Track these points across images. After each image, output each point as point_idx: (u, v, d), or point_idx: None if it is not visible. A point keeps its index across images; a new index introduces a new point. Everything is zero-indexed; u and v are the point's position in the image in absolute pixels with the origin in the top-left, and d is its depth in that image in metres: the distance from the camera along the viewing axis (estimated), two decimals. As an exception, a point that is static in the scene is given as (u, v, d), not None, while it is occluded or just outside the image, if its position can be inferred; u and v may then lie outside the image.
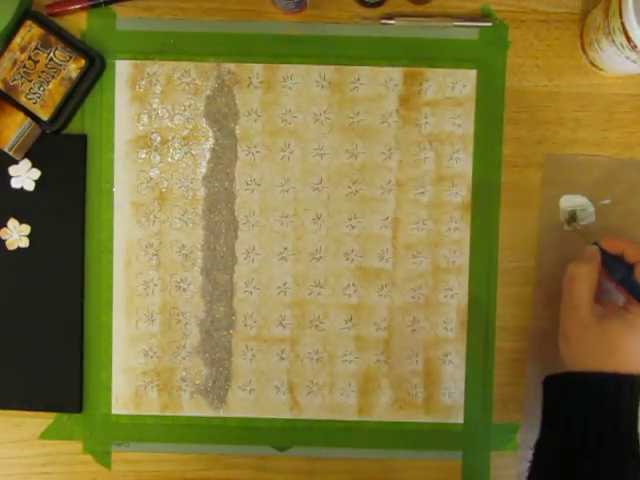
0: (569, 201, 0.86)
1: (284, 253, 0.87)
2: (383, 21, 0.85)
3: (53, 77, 0.84)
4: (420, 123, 0.86)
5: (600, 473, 0.70)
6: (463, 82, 0.86)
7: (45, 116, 0.84)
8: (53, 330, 0.86)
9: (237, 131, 0.86)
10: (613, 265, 0.77)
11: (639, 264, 0.75)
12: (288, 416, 0.88)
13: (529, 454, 0.86)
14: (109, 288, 0.87)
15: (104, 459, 0.88)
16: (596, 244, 0.79)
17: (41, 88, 0.84)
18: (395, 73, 0.86)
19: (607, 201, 0.87)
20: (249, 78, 0.86)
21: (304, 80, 0.86)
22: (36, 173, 0.86)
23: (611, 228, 0.87)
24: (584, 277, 0.76)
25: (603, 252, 0.78)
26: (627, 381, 0.72)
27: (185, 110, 0.86)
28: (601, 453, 0.71)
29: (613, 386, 0.72)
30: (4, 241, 0.86)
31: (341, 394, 0.87)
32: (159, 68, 0.86)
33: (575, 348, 0.76)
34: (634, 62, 0.78)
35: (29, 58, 0.84)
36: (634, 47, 0.74)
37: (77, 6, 0.85)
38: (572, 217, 0.85)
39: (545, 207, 0.87)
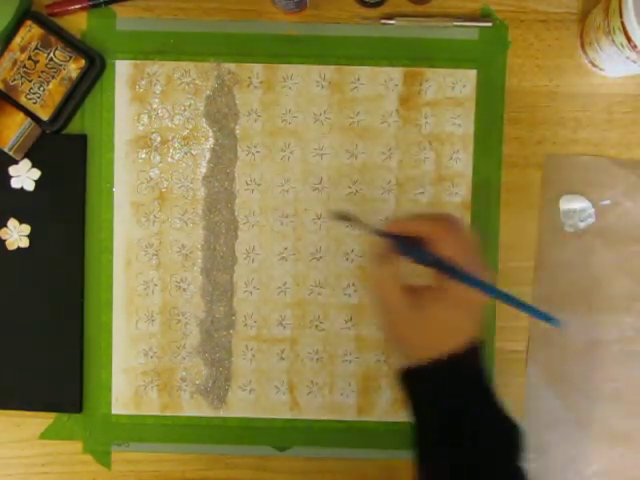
0: (568, 201, 0.86)
1: (284, 253, 0.87)
2: (383, 21, 0.85)
3: (53, 77, 0.84)
4: (420, 123, 0.86)
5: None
6: (463, 82, 0.86)
7: (45, 116, 0.84)
8: (53, 330, 0.87)
9: (237, 131, 0.86)
10: (408, 249, 0.70)
11: (433, 240, 0.69)
12: (288, 416, 0.88)
13: (529, 454, 0.86)
14: (109, 288, 0.87)
15: (104, 459, 0.88)
16: (382, 233, 0.71)
17: (41, 88, 0.84)
18: (395, 73, 0.86)
19: (607, 202, 0.87)
20: (249, 78, 0.86)
21: (304, 80, 0.86)
22: (36, 173, 0.86)
23: (611, 229, 0.87)
24: (386, 278, 0.70)
25: (394, 238, 0.70)
26: (468, 354, 0.70)
27: (185, 110, 0.86)
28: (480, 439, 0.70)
29: (461, 360, 0.70)
30: (4, 241, 0.86)
31: (341, 394, 0.87)
32: (159, 68, 0.86)
33: (408, 345, 0.72)
34: (634, 62, 0.78)
35: (29, 58, 0.84)
36: (634, 47, 0.74)
37: (77, 6, 0.85)
38: (343, 216, 0.77)
39: (545, 207, 0.87)
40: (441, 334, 0.70)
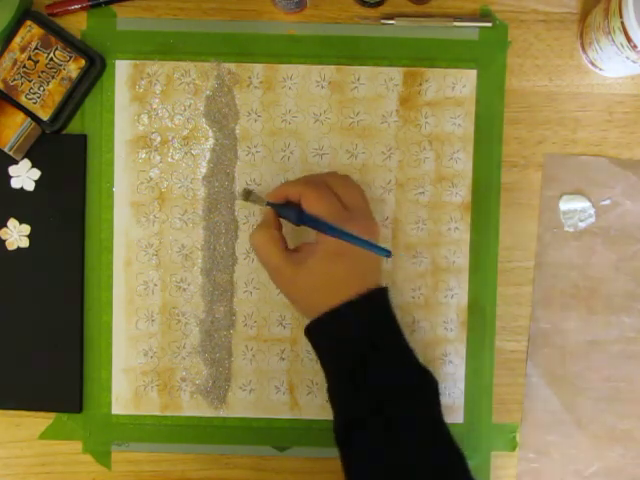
0: (568, 201, 0.86)
1: (284, 253, 0.87)
2: (383, 21, 0.85)
3: (53, 77, 0.84)
4: (420, 123, 0.86)
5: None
6: (463, 82, 0.86)
7: (45, 116, 0.84)
8: (53, 330, 0.86)
9: (237, 131, 0.86)
10: (285, 212, 0.76)
11: (301, 198, 0.74)
12: (288, 416, 0.88)
13: (529, 454, 0.86)
14: (109, 288, 0.87)
15: (104, 459, 0.88)
16: (268, 203, 0.78)
17: (41, 88, 0.84)
18: (395, 73, 0.86)
19: (607, 202, 0.87)
20: (249, 78, 0.86)
21: (304, 80, 0.86)
22: (36, 173, 0.86)
23: (611, 229, 0.87)
24: (262, 239, 0.75)
25: (274, 206, 0.77)
26: (364, 300, 0.73)
27: (185, 110, 0.86)
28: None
29: (362, 305, 0.73)
30: (4, 241, 0.86)
31: (341, 394, 0.87)
32: (159, 68, 0.86)
33: (300, 301, 0.77)
34: (634, 62, 0.78)
35: (29, 58, 0.84)
36: (634, 47, 0.74)
37: (77, 6, 0.85)
38: (247, 193, 0.80)
39: (545, 207, 0.87)
40: (327, 287, 0.73)
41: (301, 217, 0.74)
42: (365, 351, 0.73)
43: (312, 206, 0.74)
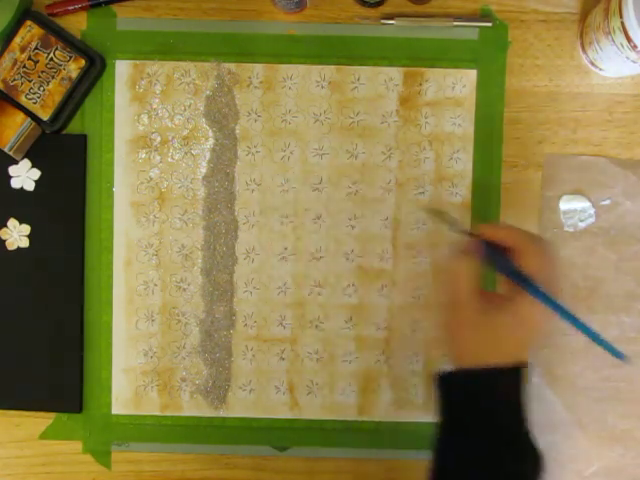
0: (568, 201, 0.86)
1: (284, 253, 0.87)
2: (383, 21, 0.85)
3: (53, 77, 0.84)
4: (420, 123, 0.86)
5: (498, 470, 0.69)
6: (463, 82, 0.86)
7: (45, 116, 0.84)
8: (53, 330, 0.87)
9: (237, 131, 0.86)
10: (493, 253, 0.71)
11: (518, 251, 0.70)
12: (288, 416, 0.88)
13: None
14: (109, 288, 0.87)
15: (104, 459, 0.88)
16: (471, 234, 0.73)
17: (41, 88, 0.84)
18: (395, 73, 0.86)
19: (607, 202, 0.87)
20: (249, 78, 0.86)
21: (304, 80, 0.86)
22: (36, 173, 0.86)
23: (611, 229, 0.87)
24: (465, 273, 0.71)
25: (482, 241, 0.72)
26: (513, 372, 0.70)
27: (185, 110, 0.86)
28: (499, 451, 0.70)
29: (503, 379, 0.70)
30: (4, 241, 0.86)
31: (341, 394, 0.87)
32: (159, 68, 0.86)
33: (461, 344, 0.72)
34: (634, 62, 0.78)
35: (29, 58, 0.84)
36: (634, 47, 0.74)
37: (77, 6, 0.85)
38: (436, 212, 0.83)
39: (545, 208, 0.87)
40: (495, 345, 0.70)
41: (510, 268, 0.70)
42: (494, 421, 0.70)
43: (529, 266, 0.69)
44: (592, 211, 0.87)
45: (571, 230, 0.87)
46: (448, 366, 0.72)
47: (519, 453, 0.71)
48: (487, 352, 0.70)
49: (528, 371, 0.71)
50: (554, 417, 0.87)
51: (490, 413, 0.70)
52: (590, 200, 0.87)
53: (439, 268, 0.74)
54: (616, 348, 0.67)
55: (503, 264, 0.70)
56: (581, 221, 0.87)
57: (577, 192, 0.87)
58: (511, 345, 0.70)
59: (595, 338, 0.68)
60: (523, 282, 0.69)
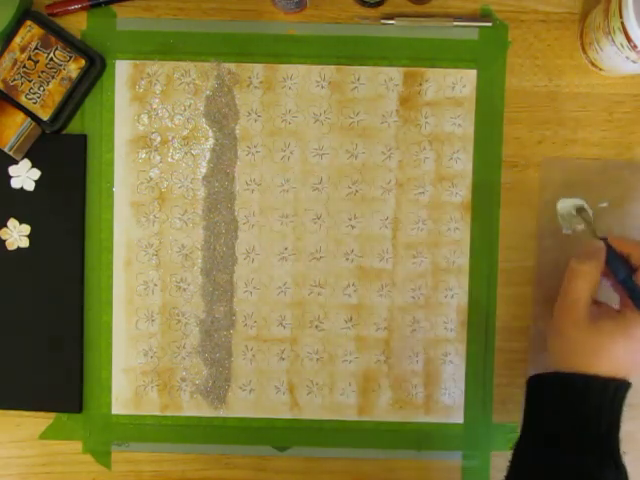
0: (566, 204, 0.86)
1: (284, 253, 0.87)
2: (383, 21, 0.85)
3: (53, 77, 0.84)
4: (420, 123, 0.86)
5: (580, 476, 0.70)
6: (463, 82, 0.86)
7: (45, 116, 0.84)
8: (53, 330, 0.86)
9: (237, 131, 0.86)
10: (617, 264, 0.74)
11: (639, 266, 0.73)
12: (288, 416, 0.88)
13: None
14: (109, 288, 0.87)
15: (104, 459, 0.88)
16: (603, 239, 0.76)
17: (41, 88, 0.84)
18: (395, 73, 0.86)
19: (604, 204, 0.87)
20: (249, 78, 0.86)
21: (304, 80, 0.86)
22: (36, 173, 0.86)
23: (609, 231, 0.87)
24: (586, 274, 0.73)
25: (609, 249, 0.75)
26: (612, 384, 0.71)
27: (185, 110, 0.86)
28: (582, 459, 0.70)
29: (598, 389, 0.71)
30: (4, 241, 0.86)
31: (341, 394, 0.87)
32: (159, 68, 0.86)
33: (565, 344, 0.74)
34: (634, 62, 0.78)
35: (29, 58, 0.84)
36: (634, 47, 0.74)
37: (77, 6, 0.85)
38: (580, 209, 0.84)
39: (543, 210, 0.87)
40: (599, 353, 0.71)
41: (629, 285, 0.73)
42: (580, 434, 0.71)
43: None
44: (590, 214, 0.87)
45: (569, 233, 0.87)
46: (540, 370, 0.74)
47: (602, 461, 0.71)
48: (589, 358, 0.71)
49: (628, 391, 0.73)
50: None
51: (578, 420, 0.71)
52: (587, 203, 0.87)
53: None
54: None
55: (623, 274, 0.73)
56: (579, 224, 0.86)
57: (575, 195, 0.87)
58: (613, 358, 0.71)
59: None
60: (636, 297, 0.72)
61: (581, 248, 0.76)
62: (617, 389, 0.71)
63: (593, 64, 0.85)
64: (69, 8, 0.85)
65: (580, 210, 0.85)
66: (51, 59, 0.84)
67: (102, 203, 0.87)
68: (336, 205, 0.86)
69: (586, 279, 0.73)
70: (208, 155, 0.87)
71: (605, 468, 0.70)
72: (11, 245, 0.86)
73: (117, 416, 0.88)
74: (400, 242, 0.87)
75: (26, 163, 0.86)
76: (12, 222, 0.86)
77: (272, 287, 0.87)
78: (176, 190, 0.87)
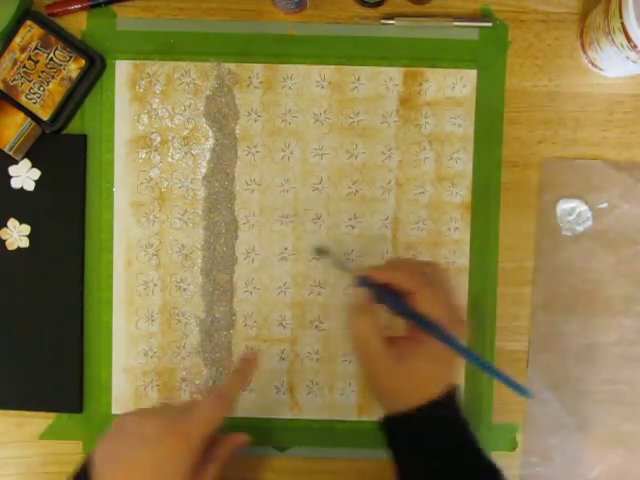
0: (566, 205, 0.86)
1: (284, 253, 0.87)
2: (383, 21, 0.85)
3: (53, 77, 0.84)
4: (420, 123, 0.86)
5: None
6: (463, 82, 0.86)
7: (45, 116, 0.84)
8: (53, 330, 0.86)
9: (237, 131, 0.86)
10: (387, 298, 0.71)
11: (411, 294, 0.70)
12: (288, 416, 0.87)
13: (532, 458, 0.86)
14: (109, 288, 0.87)
15: (104, 459, 0.88)
16: (361, 278, 0.72)
17: (41, 88, 0.84)
18: (395, 73, 0.86)
19: (604, 205, 0.87)
20: (249, 78, 0.86)
21: (304, 80, 0.86)
22: (36, 173, 0.86)
23: (608, 232, 0.87)
24: (367, 329, 0.70)
25: (374, 285, 0.71)
26: (445, 399, 0.71)
27: (185, 110, 0.86)
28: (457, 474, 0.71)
29: (438, 411, 0.71)
30: (4, 241, 0.86)
31: (341, 394, 0.87)
32: (159, 68, 0.86)
33: (385, 394, 0.73)
34: (634, 62, 0.78)
35: (29, 58, 0.84)
36: (634, 47, 0.74)
37: (77, 6, 0.85)
38: (321, 251, 0.84)
39: (542, 212, 0.87)
40: (420, 384, 0.71)
41: (409, 313, 0.70)
42: (443, 453, 0.71)
43: (427, 308, 0.69)
44: (589, 214, 0.87)
45: (569, 234, 0.87)
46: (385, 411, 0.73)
47: (477, 470, 0.71)
48: (412, 395, 0.70)
49: (459, 390, 0.73)
50: (556, 421, 0.87)
51: (437, 445, 0.71)
52: (587, 203, 0.87)
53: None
54: (520, 385, 0.68)
55: (396, 305, 0.70)
56: (579, 225, 0.87)
57: (574, 196, 0.87)
58: (432, 382, 0.71)
59: (497, 376, 0.69)
60: (420, 324, 0.70)
61: (352, 300, 0.74)
62: (450, 401, 0.72)
63: (593, 64, 0.85)
64: (69, 8, 0.85)
65: (321, 252, 0.83)
66: (51, 59, 0.84)
67: (102, 203, 0.87)
68: (336, 205, 0.86)
69: (367, 330, 0.70)
70: (208, 155, 0.87)
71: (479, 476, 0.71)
72: (11, 245, 0.86)
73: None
74: (400, 242, 0.87)
75: (26, 163, 0.86)
76: (12, 222, 0.86)
77: (272, 287, 0.87)
78: (176, 190, 0.87)
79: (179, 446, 0.66)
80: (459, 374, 0.73)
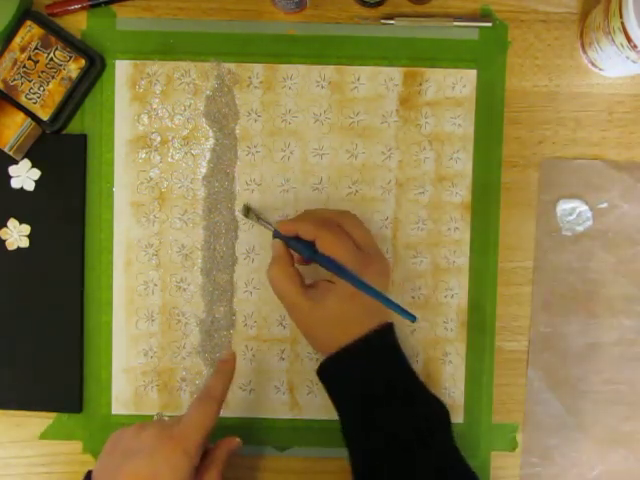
0: (566, 205, 0.86)
1: (284, 253, 0.87)
2: (383, 21, 0.85)
3: (53, 77, 0.84)
4: (420, 123, 0.86)
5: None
6: (463, 82, 0.86)
7: (45, 116, 0.84)
8: (53, 330, 0.86)
9: (237, 131, 0.86)
10: (297, 247, 0.77)
11: (317, 239, 0.75)
12: (288, 416, 0.87)
13: (532, 459, 0.86)
14: (109, 288, 0.87)
15: (104, 459, 0.88)
16: (276, 232, 0.79)
17: (41, 88, 0.84)
18: (395, 73, 0.86)
19: (604, 205, 0.87)
20: (249, 78, 0.86)
21: (304, 80, 0.86)
22: (36, 173, 0.86)
23: (608, 232, 0.87)
24: (280, 275, 0.76)
25: (283, 239, 0.78)
26: (382, 333, 0.75)
27: (185, 110, 0.86)
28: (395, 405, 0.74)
29: (375, 345, 0.75)
30: (4, 241, 0.86)
31: (341, 394, 0.87)
32: (159, 68, 0.86)
33: (315, 338, 0.78)
34: (634, 62, 0.78)
35: (29, 58, 0.84)
36: (634, 47, 0.74)
37: (77, 6, 0.85)
38: (247, 209, 0.85)
39: (542, 212, 0.87)
40: (340, 326, 0.75)
41: (315, 256, 0.75)
42: (377, 390, 0.74)
43: (329, 249, 0.74)
44: (589, 214, 0.87)
45: (569, 234, 0.87)
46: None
47: (425, 401, 0.76)
48: (344, 332, 0.74)
49: (393, 328, 0.78)
50: (556, 420, 0.87)
51: (372, 378, 0.75)
52: (587, 203, 0.87)
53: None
54: (407, 310, 0.71)
55: (306, 252, 0.76)
56: (579, 225, 0.87)
57: (574, 196, 0.87)
58: (351, 320, 0.75)
59: (388, 303, 0.73)
60: (325, 265, 0.75)
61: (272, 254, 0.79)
62: (385, 334, 0.76)
63: (593, 64, 0.85)
64: (69, 8, 0.85)
65: (247, 210, 0.85)
66: (51, 59, 0.84)
67: (102, 203, 0.87)
68: (336, 205, 0.86)
69: (282, 279, 0.76)
70: (208, 155, 0.87)
71: (426, 405, 0.76)
72: (11, 245, 0.86)
73: (117, 416, 0.88)
74: (400, 242, 0.87)
75: (26, 163, 0.86)
76: (12, 222, 0.86)
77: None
78: (176, 190, 0.87)
79: (175, 452, 0.67)
80: (387, 313, 0.76)
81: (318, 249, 0.75)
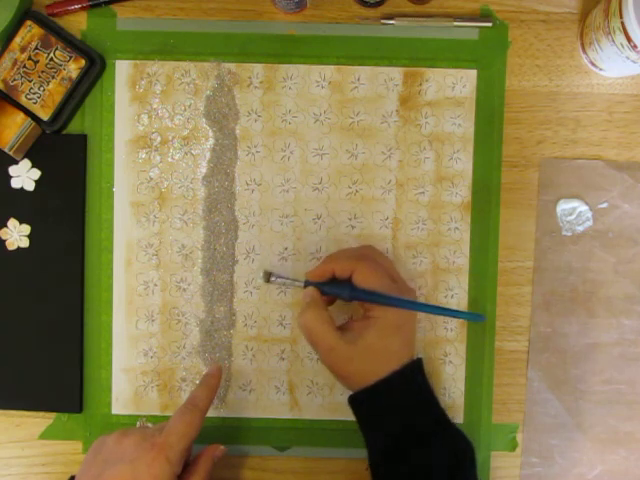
0: (565, 205, 0.86)
1: (284, 253, 0.87)
2: (383, 21, 0.85)
3: (53, 77, 0.84)
4: (420, 123, 0.86)
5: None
6: (463, 82, 0.86)
7: (45, 116, 0.84)
8: (53, 330, 0.86)
9: (237, 131, 0.86)
10: (335, 290, 0.78)
11: (354, 273, 0.75)
12: (288, 416, 0.87)
13: (532, 459, 0.86)
14: (109, 288, 0.87)
15: (104, 459, 0.88)
16: (307, 282, 0.80)
17: (41, 88, 0.84)
18: (395, 73, 0.86)
19: (604, 205, 0.87)
20: (249, 78, 0.86)
21: (304, 80, 0.86)
22: (36, 173, 0.86)
23: (608, 232, 0.87)
24: (316, 321, 0.75)
25: (318, 285, 0.78)
26: (408, 369, 0.75)
27: (185, 110, 0.86)
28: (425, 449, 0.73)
29: (401, 379, 0.74)
30: (4, 241, 0.86)
31: (341, 394, 0.87)
32: (159, 68, 0.86)
33: (351, 378, 0.76)
34: (634, 62, 0.78)
35: (29, 58, 0.84)
36: (634, 47, 0.74)
37: (77, 6, 0.85)
38: (267, 275, 0.85)
39: (542, 212, 0.87)
40: (379, 360, 0.74)
41: (354, 293, 0.76)
42: (410, 422, 0.74)
43: (367, 281, 0.75)
44: (589, 214, 0.87)
45: (569, 234, 0.87)
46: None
47: (448, 438, 0.75)
48: (374, 370, 0.74)
49: (422, 365, 0.77)
50: (556, 421, 0.87)
51: (401, 411, 0.74)
52: (587, 204, 0.87)
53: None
54: (474, 313, 0.75)
55: (345, 292, 0.76)
56: (579, 225, 0.87)
57: (574, 196, 0.87)
58: (387, 357, 0.74)
59: (450, 313, 0.77)
60: (366, 297, 0.75)
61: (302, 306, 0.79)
62: (413, 370, 0.76)
63: (593, 64, 0.85)
64: (69, 8, 0.85)
65: (268, 275, 0.85)
66: (51, 59, 0.84)
67: (102, 203, 0.87)
68: (336, 205, 0.86)
69: (318, 324, 0.75)
70: (208, 155, 0.87)
71: (450, 443, 0.75)
72: (11, 245, 0.86)
73: (117, 416, 0.88)
74: (400, 242, 0.87)
75: (26, 163, 0.86)
76: (12, 222, 0.86)
77: (272, 287, 0.87)
78: (176, 190, 0.87)
79: (158, 460, 0.68)
80: (416, 347, 0.78)
81: (355, 284, 0.75)
